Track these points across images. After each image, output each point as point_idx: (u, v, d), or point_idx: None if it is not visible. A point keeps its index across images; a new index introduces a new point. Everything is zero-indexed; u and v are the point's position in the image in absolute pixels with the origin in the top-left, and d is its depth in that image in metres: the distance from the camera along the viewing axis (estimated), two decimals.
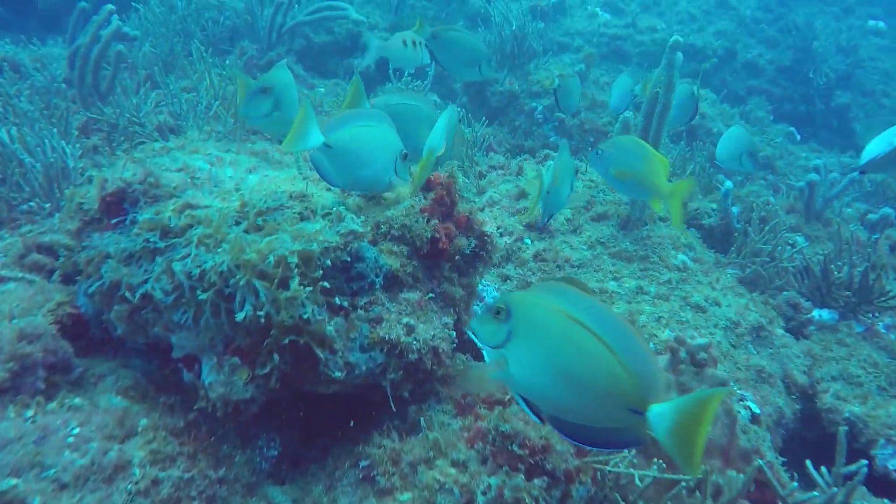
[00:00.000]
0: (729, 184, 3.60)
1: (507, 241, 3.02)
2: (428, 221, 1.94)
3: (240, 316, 1.59)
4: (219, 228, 1.71)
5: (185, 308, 1.67)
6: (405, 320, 1.82)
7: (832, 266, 3.17)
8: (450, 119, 2.65)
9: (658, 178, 2.44)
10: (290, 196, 1.92)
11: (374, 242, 1.93)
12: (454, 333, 1.94)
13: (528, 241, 3.07)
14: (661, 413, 1.08)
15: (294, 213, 1.85)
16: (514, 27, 5.23)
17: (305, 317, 1.62)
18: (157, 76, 4.10)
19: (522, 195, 3.32)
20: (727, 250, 3.63)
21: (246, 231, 1.75)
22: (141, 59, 4.68)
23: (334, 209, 1.84)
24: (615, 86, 4.49)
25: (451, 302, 2.06)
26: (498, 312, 1.18)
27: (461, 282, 2.11)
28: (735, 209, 3.68)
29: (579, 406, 1.12)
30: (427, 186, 2.16)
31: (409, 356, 1.79)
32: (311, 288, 1.64)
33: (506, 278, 2.89)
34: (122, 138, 3.29)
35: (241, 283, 1.60)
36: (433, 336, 1.85)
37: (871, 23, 7.66)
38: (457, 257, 2.05)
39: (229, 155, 2.49)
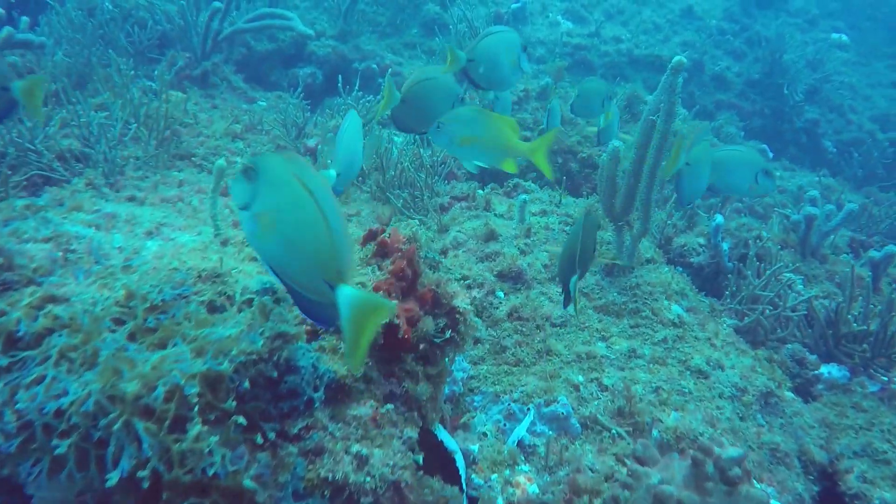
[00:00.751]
0: (720, 218, 3.23)
1: (477, 295, 2.57)
2: None
3: (113, 479, 1.08)
4: (89, 337, 1.21)
5: (38, 457, 1.16)
6: (355, 448, 1.35)
7: (845, 316, 2.81)
8: (351, 127, 2.40)
9: (508, 138, 2.21)
10: (199, 276, 1.43)
11: (312, 337, 1.46)
12: (420, 458, 1.47)
13: (501, 293, 2.62)
14: (346, 295, 1.14)
15: (201, 302, 1.36)
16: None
17: (212, 472, 1.13)
18: (66, 91, 3.53)
19: (492, 236, 2.87)
20: (718, 291, 3.27)
21: (131, 337, 1.25)
22: (51, 70, 4.08)
23: (258, 298, 1.35)
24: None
25: (416, 405, 1.59)
26: (246, 171, 1.20)
27: (427, 372, 1.65)
28: (725, 244, 3.31)
29: (295, 271, 1.18)
30: (382, 252, 1.69)
31: (363, 501, 1.31)
32: (218, 432, 1.15)
33: (476, 341, 2.43)
34: (9, 171, 2.71)
35: (116, 426, 1.11)
36: (392, 466, 1.38)
37: (835, 35, 7.49)
38: (422, 346, 1.59)
39: (127, 207, 1.97)
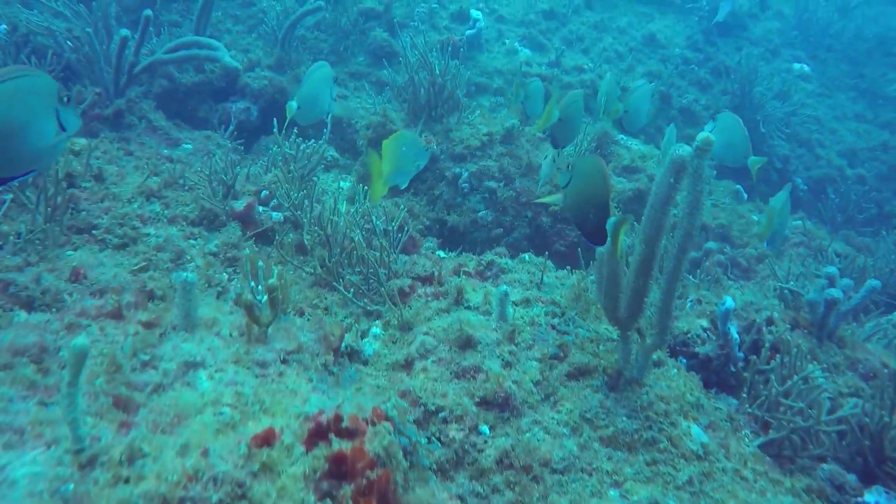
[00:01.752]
0: (730, 301, 2.75)
1: (455, 434, 2.00)
2: None
3: None
4: None
5: None
6: None
7: (891, 435, 2.35)
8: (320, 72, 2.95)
9: None
10: None
11: None
12: None
13: (486, 429, 2.05)
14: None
15: None
16: (436, 70, 4.24)
17: None
18: None
19: (469, 343, 2.30)
20: (726, 382, 2.80)
21: None
22: None
23: None
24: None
25: None
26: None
27: None
28: (733, 329, 2.84)
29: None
30: (337, 472, 1.11)
31: None
32: None
33: (460, 500, 1.86)
34: None
35: None
36: None
37: (797, 66, 7.25)
38: None
39: None
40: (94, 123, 4.13)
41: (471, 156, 4.15)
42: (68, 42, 4.37)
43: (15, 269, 2.41)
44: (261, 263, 1.98)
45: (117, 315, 1.77)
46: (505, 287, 2.44)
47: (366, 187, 3.37)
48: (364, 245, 2.83)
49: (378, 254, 2.82)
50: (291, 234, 3.29)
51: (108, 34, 4.57)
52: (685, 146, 1.95)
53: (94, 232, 2.86)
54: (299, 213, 3.15)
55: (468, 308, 2.57)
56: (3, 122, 1.54)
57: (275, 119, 4.01)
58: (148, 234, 2.92)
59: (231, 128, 4.76)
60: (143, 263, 2.72)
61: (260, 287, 1.92)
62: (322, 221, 3.06)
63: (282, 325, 1.74)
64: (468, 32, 6.08)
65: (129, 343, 1.54)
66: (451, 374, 2.22)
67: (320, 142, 3.98)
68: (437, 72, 4.23)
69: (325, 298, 2.66)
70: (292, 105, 3.13)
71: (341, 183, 4.87)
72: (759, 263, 4.74)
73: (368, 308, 2.64)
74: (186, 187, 3.54)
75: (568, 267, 3.35)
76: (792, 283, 3.35)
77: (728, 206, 5.28)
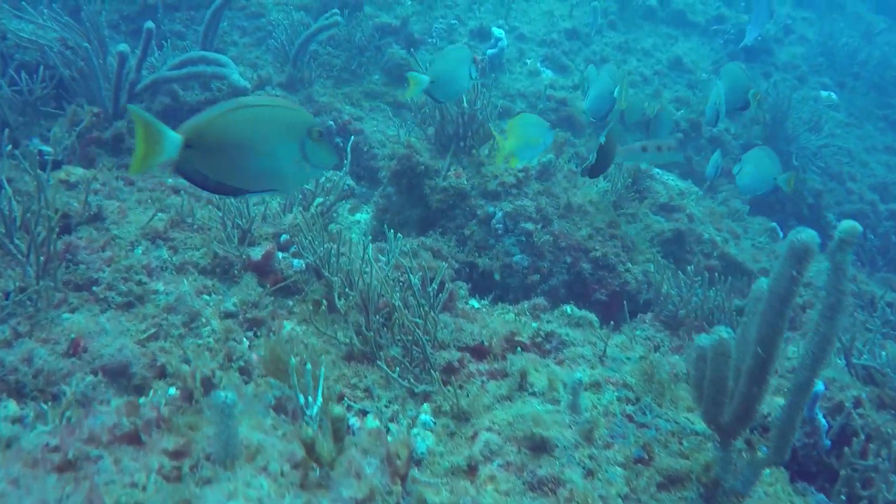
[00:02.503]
0: (821, 385, 2.43)
1: None
2: None
3: None
4: None
5: None
6: None
7: None
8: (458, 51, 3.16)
9: None
10: None
11: None
12: None
13: None
14: None
15: None
16: (463, 101, 3.90)
17: None
18: None
19: (543, 446, 1.96)
20: (805, 471, 2.47)
21: None
22: None
23: None
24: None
25: None
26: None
27: None
28: (820, 415, 2.51)
29: None
30: None
31: None
32: None
33: None
34: None
35: None
36: None
37: (824, 93, 6.98)
38: None
39: None
40: (91, 148, 3.75)
41: (505, 193, 3.81)
42: (62, 54, 3.98)
43: (3, 345, 2.03)
44: (309, 366, 1.62)
45: (135, 439, 1.41)
46: (579, 375, 2.10)
47: (399, 234, 3.02)
48: (404, 309, 2.47)
49: (420, 320, 2.47)
50: (316, 287, 2.93)
51: (101, 47, 4.20)
52: (808, 231, 1.62)
53: (94, 288, 2.49)
54: (326, 271, 2.79)
55: (532, 394, 2.22)
56: (249, 137, 1.81)
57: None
58: (156, 292, 2.55)
59: None
60: (153, 329, 2.35)
61: (310, 399, 1.57)
62: (352, 277, 2.71)
63: (344, 457, 1.38)
64: (490, 52, 5.75)
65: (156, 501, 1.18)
66: (524, 484, 1.87)
67: (341, 174, 3.63)
68: (465, 102, 3.88)
69: (365, 377, 2.30)
70: (421, 77, 3.05)
71: (358, 215, 4.52)
72: (805, 311, 4.44)
73: (415, 389, 2.28)
74: (195, 226, 3.17)
75: (611, 322, 3.01)
76: (866, 355, 3.03)
77: (767, 245, 4.98)
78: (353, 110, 4.99)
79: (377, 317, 2.50)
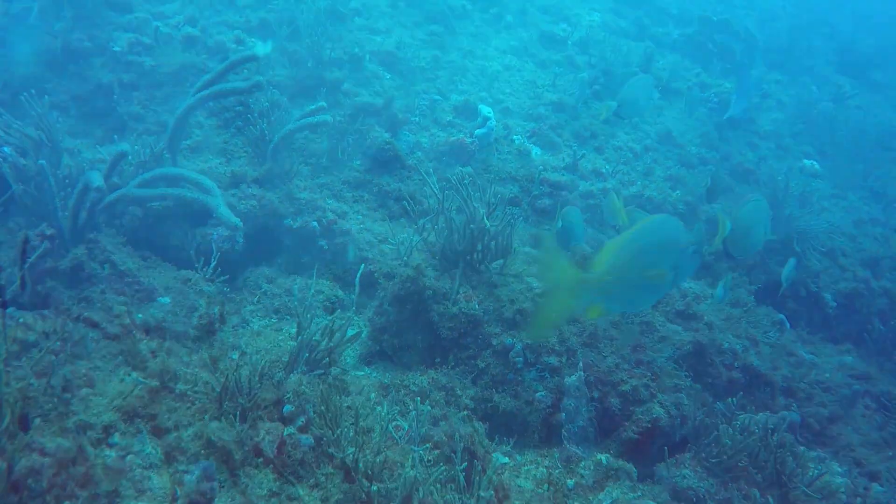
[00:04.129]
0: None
1: None
2: None
3: None
4: None
5: None
6: None
7: None
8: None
9: None
10: None
11: None
12: None
13: None
14: None
15: None
16: (481, 213, 3.50)
17: None
18: None
19: None
20: None
21: None
22: None
23: None
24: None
25: None
26: None
27: None
28: None
29: None
30: None
31: None
32: None
33: None
34: None
35: None
36: None
37: (807, 162, 6.89)
38: None
39: None
40: (46, 280, 3.21)
41: (524, 322, 3.43)
42: (14, 165, 3.43)
43: None
44: None
45: None
46: None
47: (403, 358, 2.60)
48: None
49: None
50: (331, 472, 2.47)
51: (53, 149, 3.67)
52: None
53: None
54: (346, 458, 2.34)
55: None
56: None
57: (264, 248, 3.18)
58: None
59: (213, 263, 3.89)
60: None
61: None
62: (374, 469, 2.27)
63: None
64: (478, 132, 5.39)
65: None
66: None
67: (348, 314, 3.18)
68: (481, 215, 3.50)
69: None
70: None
71: (350, 331, 4.05)
72: (832, 424, 4.20)
73: None
74: (178, 391, 2.67)
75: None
76: None
77: (777, 342, 4.73)
78: (336, 205, 4.54)
79: None
